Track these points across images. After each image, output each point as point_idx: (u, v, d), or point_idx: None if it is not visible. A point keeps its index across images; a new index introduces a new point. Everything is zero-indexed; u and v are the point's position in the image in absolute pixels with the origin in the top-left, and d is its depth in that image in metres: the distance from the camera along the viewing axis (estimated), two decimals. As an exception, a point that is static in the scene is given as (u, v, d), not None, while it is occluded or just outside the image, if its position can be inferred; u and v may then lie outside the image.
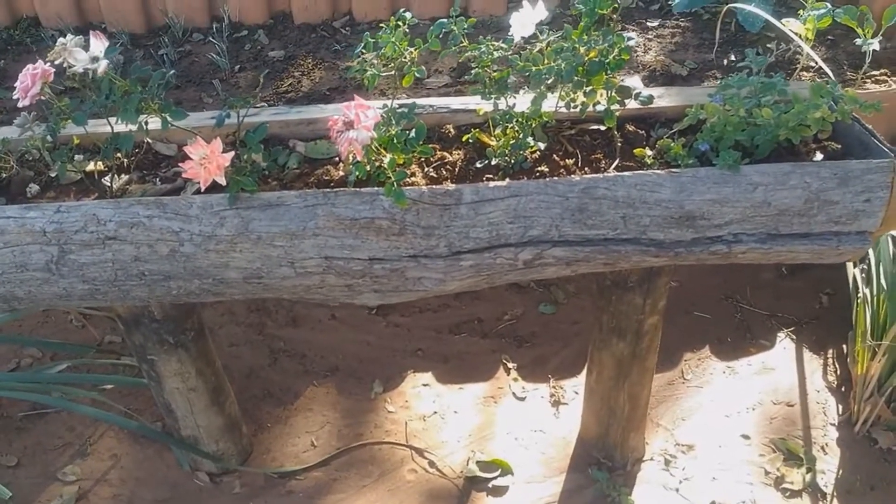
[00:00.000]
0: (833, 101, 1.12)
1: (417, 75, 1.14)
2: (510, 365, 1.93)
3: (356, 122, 0.95)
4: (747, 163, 1.13)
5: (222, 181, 1.03)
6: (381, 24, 1.17)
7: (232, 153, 1.03)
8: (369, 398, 1.86)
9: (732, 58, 2.33)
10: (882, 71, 2.10)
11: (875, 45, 2.02)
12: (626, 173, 1.12)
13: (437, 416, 1.81)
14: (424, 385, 1.89)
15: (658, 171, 1.12)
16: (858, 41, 2.03)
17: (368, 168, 1.13)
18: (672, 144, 1.19)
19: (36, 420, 1.80)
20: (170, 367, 1.45)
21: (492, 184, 1.13)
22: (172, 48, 2.57)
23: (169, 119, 1.05)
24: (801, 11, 1.93)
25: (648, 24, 2.53)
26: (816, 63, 2.14)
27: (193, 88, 2.43)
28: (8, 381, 1.64)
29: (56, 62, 1.04)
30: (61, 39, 1.05)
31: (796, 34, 1.85)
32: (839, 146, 1.21)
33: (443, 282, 1.19)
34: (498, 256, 1.16)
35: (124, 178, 1.26)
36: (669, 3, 2.45)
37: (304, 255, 1.15)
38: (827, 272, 2.09)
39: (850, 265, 1.84)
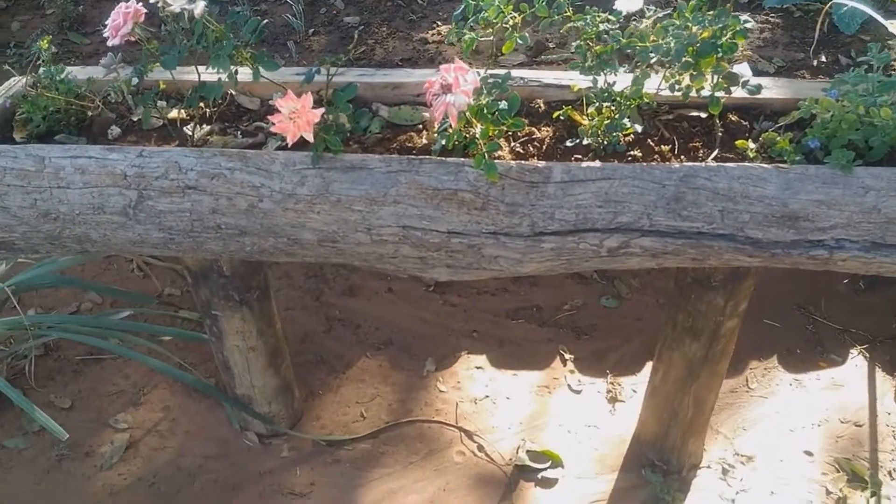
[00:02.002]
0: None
1: (520, 41, 1.09)
2: (567, 356, 1.88)
3: (455, 85, 0.90)
4: (860, 164, 1.06)
5: (310, 137, 1.00)
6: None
7: (322, 110, 1.00)
8: (421, 375, 1.83)
9: (824, 59, 2.23)
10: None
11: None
12: (729, 164, 1.06)
13: (489, 400, 1.77)
14: (478, 367, 1.85)
15: (764, 165, 1.06)
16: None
17: (456, 138, 1.09)
18: (778, 139, 1.12)
19: (92, 365, 1.82)
20: (232, 325, 1.43)
21: (584, 164, 1.08)
22: (248, 6, 2.56)
23: (261, 70, 1.02)
24: (909, 18, 1.82)
25: (738, 16, 2.43)
26: None
27: (267, 48, 2.42)
28: (68, 323, 1.65)
29: (151, 0, 1.02)
30: (159, -21, 1.02)
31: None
32: (959, 155, 1.13)
33: (520, 262, 1.15)
34: (582, 241, 1.11)
35: (206, 128, 1.24)
36: (762, -1, 2.36)
37: (381, 223, 1.11)
38: (908, 291, 1.99)
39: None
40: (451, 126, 1.04)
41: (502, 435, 1.69)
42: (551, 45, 2.07)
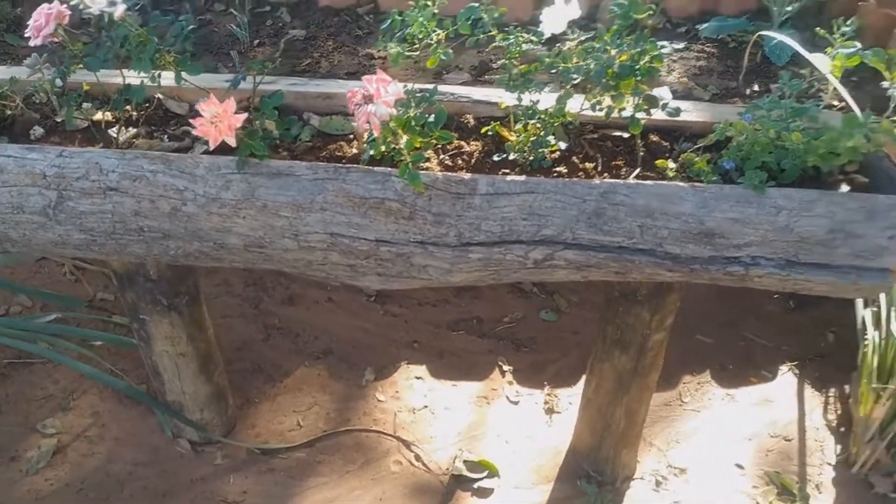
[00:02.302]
0: (866, 135, 1.08)
1: (443, 57, 1.10)
2: (506, 367, 1.89)
3: (376, 95, 0.91)
4: (773, 186, 1.09)
5: (232, 142, 0.99)
6: None
7: (245, 115, 1.00)
8: (360, 385, 1.83)
9: (756, 88, 2.29)
10: (907, 117, 2.05)
11: (902, 90, 1.97)
12: (647, 182, 1.09)
13: (428, 410, 1.78)
14: (417, 378, 1.86)
15: (681, 184, 1.08)
16: (885, 84, 1.98)
17: (384, 148, 1.10)
18: (696, 159, 1.15)
19: (20, 369, 1.78)
20: (161, 330, 1.42)
21: (509, 177, 1.10)
22: (193, 15, 2.54)
23: (183, 74, 1.02)
24: (829, 49, 1.88)
25: (674, 45, 2.48)
26: (843, 100, 2.10)
27: (210, 58, 2.40)
28: (-4, 326, 1.62)
29: (73, 2, 1.01)
30: (83, -20, 1.02)
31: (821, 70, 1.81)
32: (866, 180, 1.17)
33: (449, 272, 1.16)
34: (508, 252, 1.13)
35: (132, 131, 1.23)
36: (697, 27, 2.42)
37: (308, 229, 1.11)
38: (833, 310, 2.05)
39: (859, 305, 1.79)
40: (378, 137, 1.05)
41: (440, 445, 1.70)
42: (495, 65, 2.09)
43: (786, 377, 1.89)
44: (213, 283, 2.03)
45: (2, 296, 1.92)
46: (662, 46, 1.12)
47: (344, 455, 1.67)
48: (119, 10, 0.97)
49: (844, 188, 1.15)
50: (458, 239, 1.12)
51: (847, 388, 1.83)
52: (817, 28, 2.14)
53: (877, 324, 1.69)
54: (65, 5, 1.09)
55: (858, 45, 1.90)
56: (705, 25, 2.34)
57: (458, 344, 1.95)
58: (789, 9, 2.33)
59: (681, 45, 2.48)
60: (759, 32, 1.72)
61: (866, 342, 1.69)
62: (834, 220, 1.07)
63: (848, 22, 1.94)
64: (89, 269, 1.98)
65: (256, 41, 2.45)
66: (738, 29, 2.37)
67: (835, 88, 1.44)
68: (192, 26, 1.01)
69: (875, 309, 1.74)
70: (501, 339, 1.97)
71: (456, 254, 1.13)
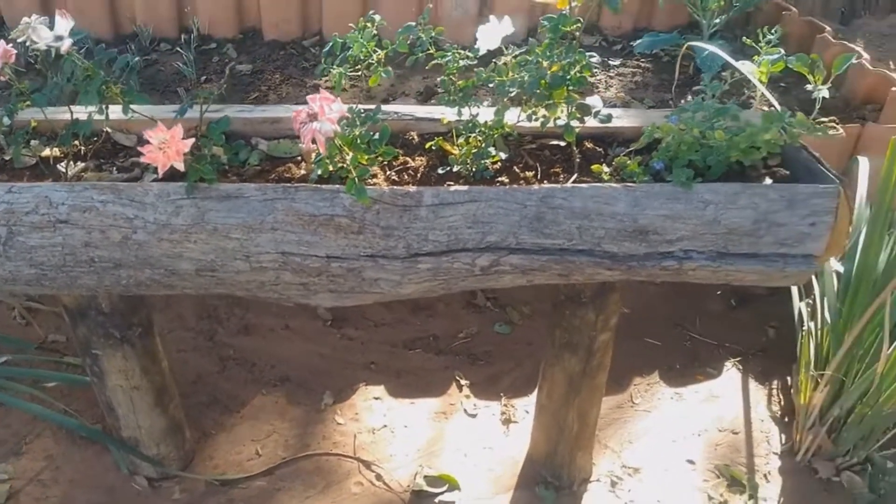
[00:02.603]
0: (783, 127, 1.17)
1: (384, 75, 1.15)
2: (463, 382, 1.92)
3: (320, 113, 0.95)
4: (700, 182, 1.17)
5: (181, 167, 1.02)
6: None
7: (192, 140, 1.03)
8: (318, 409, 1.83)
9: (689, 98, 2.41)
10: (831, 119, 2.19)
11: (825, 92, 2.11)
12: (582, 185, 1.15)
13: (387, 429, 1.79)
14: (376, 398, 1.87)
15: (613, 185, 1.15)
16: (809, 87, 2.12)
17: (331, 167, 1.14)
18: (628, 162, 1.22)
19: (-31, 417, 1.74)
20: (114, 363, 1.41)
21: (452, 188, 1.15)
22: (139, 55, 2.55)
23: (132, 106, 1.04)
24: (756, 57, 2.01)
25: (610, 62, 2.61)
26: (770, 104, 2.23)
27: (158, 96, 2.41)
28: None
29: (19, 40, 1.03)
30: (25, 18, 1.04)
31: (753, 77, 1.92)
32: (788, 172, 1.26)
33: (399, 284, 1.19)
34: (455, 261, 1.17)
35: (80, 165, 1.24)
36: (631, 44, 2.54)
37: (260, 250, 1.14)
38: (774, 306, 2.15)
39: (796, 298, 1.89)
40: (325, 155, 1.09)
41: (400, 463, 1.71)
42: (440, 90, 2.17)
43: (730, 373, 1.97)
44: (167, 318, 2.02)
45: (-54, 342, 1.88)
46: (591, 56, 1.19)
47: (304, 480, 1.67)
48: (66, 45, 0.99)
49: (768, 181, 1.23)
50: (406, 250, 1.15)
51: (789, 379, 1.92)
52: (744, 37, 2.28)
53: (812, 315, 1.79)
54: (10, 44, 1.10)
55: (782, 51, 2.04)
56: (639, 42, 2.45)
57: (414, 362, 1.97)
58: (717, 21, 2.47)
59: (617, 62, 2.60)
60: (689, 44, 1.82)
61: (803, 333, 1.78)
62: (758, 211, 1.15)
63: (773, 30, 2.08)
64: (40, 312, 1.96)
65: (203, 77, 2.47)
66: (670, 43, 2.50)
67: (762, 94, 1.53)
68: (137, 58, 1.03)
69: (811, 301, 1.83)
70: (457, 354, 2.00)
71: (405, 265, 1.17)
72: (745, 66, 2.01)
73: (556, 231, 1.15)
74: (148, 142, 1.02)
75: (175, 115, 1.14)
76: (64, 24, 1.02)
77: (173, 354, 1.93)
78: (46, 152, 1.25)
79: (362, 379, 1.92)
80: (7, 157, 1.24)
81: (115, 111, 1.19)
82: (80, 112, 1.17)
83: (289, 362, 1.95)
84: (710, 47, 2.04)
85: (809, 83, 2.10)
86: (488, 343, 2.04)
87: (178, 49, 2.56)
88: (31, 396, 1.65)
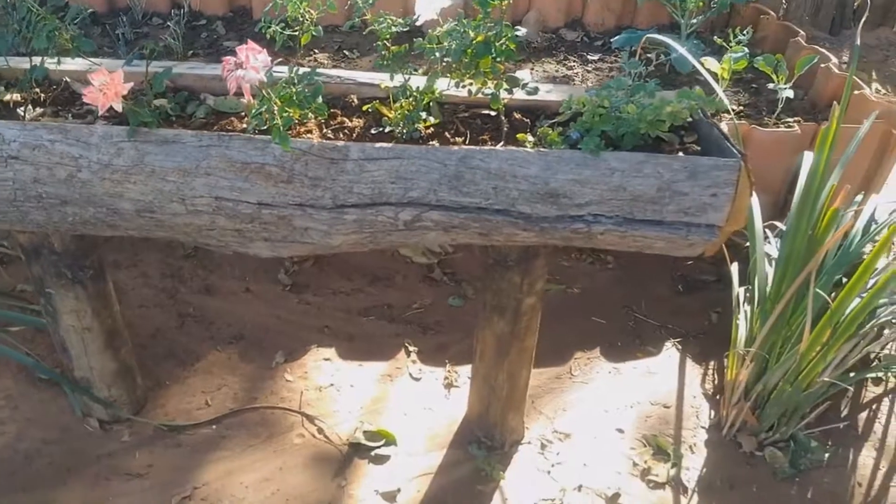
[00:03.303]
0: (688, 103, 1.25)
1: (314, 34, 1.24)
2: (412, 349, 2.00)
3: (245, 62, 1.04)
4: (610, 151, 1.25)
5: (118, 107, 1.10)
6: (337, 27, 1.27)
7: (131, 84, 1.11)
8: (270, 367, 1.92)
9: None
10: (796, 119, 2.26)
11: (788, 92, 2.19)
12: (499, 147, 1.23)
13: (333, 388, 1.88)
14: (326, 359, 1.96)
15: (528, 149, 1.23)
16: (771, 86, 2.20)
17: (268, 122, 1.22)
18: (550, 132, 1.30)
19: (-65, 356, 1.83)
20: (66, 304, 1.50)
21: (378, 144, 1.23)
22: (130, 28, 2.64)
23: (78, 49, 1.13)
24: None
25: (590, 56, 2.69)
26: (741, 103, 2.31)
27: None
28: None
29: (-23, -16, 1.12)
30: (-15, -35, 1.12)
31: (712, 73, 2.00)
32: (699, 148, 1.34)
33: (328, 234, 1.28)
34: (379, 214, 1.25)
35: (38, 111, 1.33)
36: (612, 40, 2.61)
37: (195, 193, 1.22)
38: (720, 293, 2.23)
39: (735, 283, 1.96)
40: (255, 106, 1.17)
41: (343, 419, 1.79)
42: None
43: (669, 352, 2.05)
44: (132, 276, 2.11)
45: (-83, 286, 1.97)
46: (517, 30, 1.27)
47: (249, 430, 1.75)
48: (16, -12, 1.08)
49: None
50: (333, 201, 1.24)
51: (726, 361, 2.00)
52: (716, 38, 2.35)
53: (750, 300, 1.87)
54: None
55: (746, 50, 2.12)
56: (617, 37, 2.53)
57: (367, 328, 2.06)
58: (695, 21, 2.55)
59: (595, 57, 2.68)
60: (648, 36, 1.89)
61: (738, 316, 1.85)
62: (661, 180, 1.22)
63: (744, 31, 2.16)
64: (12, 263, 2.04)
65: (190, 52, 2.56)
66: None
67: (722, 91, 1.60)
68: (90, 10, 1.11)
69: (749, 287, 1.91)
70: (409, 323, 2.09)
71: (332, 216, 1.25)
72: (710, 64, 2.09)
73: (473, 190, 1.23)
74: (90, 83, 1.10)
75: (124, 64, 1.23)
76: (16, -29, 1.11)
77: (135, 309, 2.02)
78: (7, 97, 1.33)
79: (315, 341, 2.00)
80: (-31, 100, 1.32)
81: (76, 64, 1.28)
82: (41, 62, 1.25)
83: (246, 322, 2.03)
84: (667, 40, 2.12)
85: (772, 85, 2.18)
86: (441, 314, 2.12)
87: (169, 24, 2.65)
88: (-7, 337, 1.74)
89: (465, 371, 1.94)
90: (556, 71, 2.58)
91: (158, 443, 1.70)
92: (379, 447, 1.72)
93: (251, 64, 1.03)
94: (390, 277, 2.24)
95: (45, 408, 1.74)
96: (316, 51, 2.49)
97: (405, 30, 1.27)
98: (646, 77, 2.34)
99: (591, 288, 2.23)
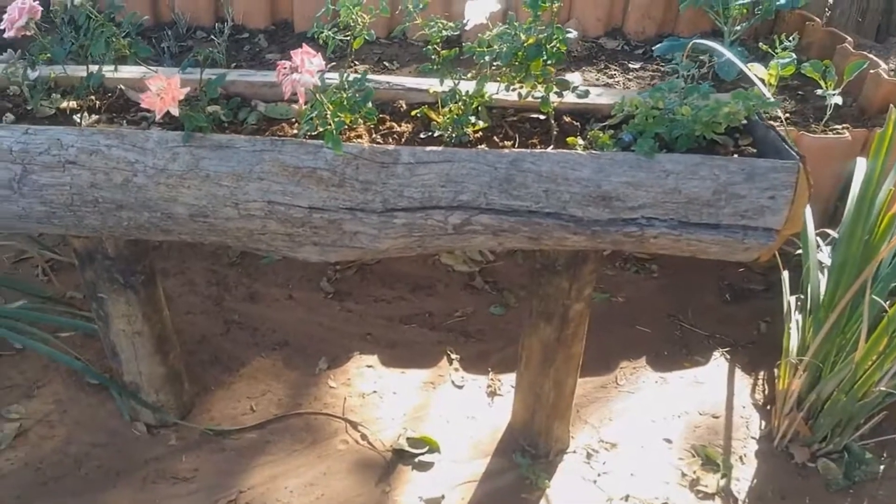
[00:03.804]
0: (744, 103, 1.22)
1: (367, 38, 1.24)
2: (453, 356, 1.99)
3: (301, 66, 1.04)
4: (664, 153, 1.23)
5: (175, 112, 1.12)
6: (377, 39, 1.27)
7: (188, 88, 1.13)
8: (313, 373, 1.92)
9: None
10: (844, 125, 2.22)
11: (837, 98, 2.15)
12: (550, 150, 1.22)
13: (377, 395, 1.87)
14: (368, 366, 1.96)
15: (580, 152, 1.22)
16: (820, 92, 2.16)
17: (320, 126, 1.23)
18: (601, 135, 1.29)
19: (-12, 360, 1.86)
20: (118, 308, 1.52)
21: (428, 148, 1.23)
22: (175, 42, 2.69)
23: (136, 55, 1.15)
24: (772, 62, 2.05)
25: (631, 65, 2.67)
26: (786, 111, 2.27)
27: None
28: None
29: (39, -6, 1.14)
30: (47, -25, 1.15)
31: (760, 79, 1.97)
32: (755, 151, 1.31)
33: (377, 238, 1.28)
34: (429, 218, 1.25)
35: (94, 117, 1.35)
36: (653, 49, 2.59)
37: (248, 198, 1.23)
38: (768, 302, 2.18)
39: (786, 292, 1.92)
40: (307, 110, 1.18)
41: (386, 425, 1.79)
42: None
43: (717, 362, 2.01)
44: (179, 283, 2.14)
45: (-27, 291, 2.02)
46: (568, 31, 1.26)
47: (293, 435, 1.75)
48: (77, -3, 1.11)
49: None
50: (383, 205, 1.24)
51: (775, 370, 1.95)
52: (761, 44, 2.32)
53: (802, 308, 1.82)
54: (36, 2, 1.22)
55: (794, 56, 2.08)
56: (659, 45, 2.51)
57: (409, 336, 2.05)
58: (738, 28, 2.52)
59: (637, 65, 2.66)
60: (694, 42, 1.87)
61: (790, 324, 1.81)
62: (717, 182, 1.20)
63: (790, 37, 2.12)
64: (61, 270, 2.09)
65: (234, 64, 2.60)
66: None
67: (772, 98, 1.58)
68: (146, 17, 1.13)
69: (801, 295, 1.87)
70: (451, 331, 2.08)
71: (382, 219, 1.25)
72: (756, 70, 2.06)
73: (524, 193, 1.22)
74: (148, 89, 1.12)
75: (179, 70, 1.24)
76: (78, -21, 1.13)
77: (182, 316, 2.04)
78: (64, 104, 1.36)
79: (357, 348, 2.00)
80: (29, 107, 1.35)
81: (130, 71, 1.31)
82: (97, 69, 1.27)
83: (289, 329, 2.04)
84: (717, 45, 2.10)
85: (821, 91, 2.14)
86: (482, 323, 2.11)
87: (213, 37, 2.69)
88: (46, 342, 1.76)
89: (507, 379, 1.93)
90: (597, 80, 2.56)
91: (205, 447, 1.71)
92: (422, 454, 1.71)
93: (306, 67, 1.04)
94: (432, 286, 2.23)
95: (93, 412, 1.76)
96: (356, 62, 2.51)
97: (455, 34, 1.27)
98: (697, 81, 2.32)
99: (635, 297, 2.20)
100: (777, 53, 2.10)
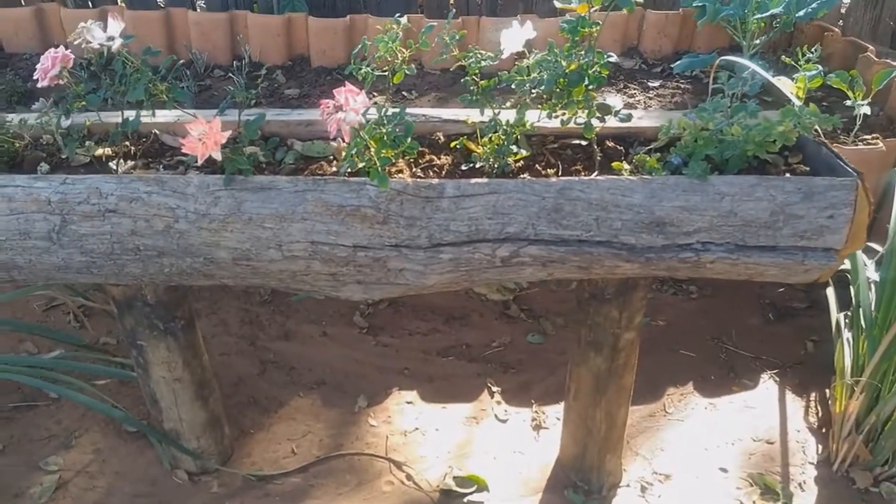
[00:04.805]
0: (797, 122, 1.19)
1: (407, 73, 1.22)
2: (494, 388, 1.95)
3: (345, 104, 1.02)
4: (716, 175, 1.19)
5: (217, 156, 1.10)
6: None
7: (230, 132, 1.10)
8: (353, 411, 1.88)
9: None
10: (874, 136, 2.17)
11: (865, 107, 2.10)
12: (599, 177, 1.19)
13: (419, 432, 1.83)
14: (408, 402, 1.91)
15: (630, 177, 1.18)
16: (849, 103, 2.11)
17: (360, 163, 1.20)
18: (648, 159, 1.25)
19: (25, 411, 1.84)
20: (158, 355, 1.49)
21: (473, 180, 1.20)
22: (193, 81, 2.70)
23: (175, 100, 1.13)
24: (795, 74, 2.01)
25: (650, 83, 2.64)
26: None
27: (210, 115, 2.54)
28: (3, 363, 1.68)
29: (75, 42, 1.13)
30: (82, 23, 1.14)
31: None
32: (808, 168, 1.27)
33: (423, 274, 1.24)
34: (476, 251, 1.22)
35: (129, 163, 1.34)
36: (671, 66, 2.56)
37: (291, 239, 1.20)
38: (812, 320, 2.12)
39: (833, 310, 1.86)
40: (348, 145, 1.15)
41: (431, 464, 1.74)
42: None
43: (767, 385, 1.95)
44: (212, 324, 2.11)
45: (8, 344, 2.00)
46: (609, 55, 1.24)
47: (337, 478, 1.71)
48: (117, 44, 1.09)
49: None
50: (429, 240, 1.21)
51: (827, 391, 1.89)
52: (784, 56, 2.28)
53: (851, 325, 1.77)
54: (68, 50, 1.21)
55: (821, 67, 2.04)
56: (678, 62, 2.49)
57: (447, 369, 2.01)
58: (757, 42, 2.49)
59: (656, 83, 2.64)
60: (722, 58, 1.83)
61: (840, 343, 1.76)
62: (775, 203, 1.16)
63: (813, 49, 2.09)
64: (93, 315, 2.06)
65: (253, 101, 2.60)
66: (708, 64, 2.52)
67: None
68: (181, 60, 1.12)
69: (849, 312, 1.81)
70: (490, 362, 2.03)
71: (428, 255, 1.22)
72: (782, 83, 2.02)
73: (574, 222, 1.19)
74: (189, 134, 1.10)
75: (216, 114, 1.23)
76: (115, 25, 1.12)
77: (217, 357, 2.01)
78: (99, 151, 1.35)
79: (396, 384, 1.96)
80: (63, 156, 1.34)
81: (164, 115, 1.29)
82: (132, 114, 1.26)
83: (325, 366, 2.00)
84: (744, 60, 2.06)
85: (849, 102, 2.10)
86: (521, 352, 2.07)
87: (231, 75, 2.70)
88: (82, 391, 1.73)
89: (552, 411, 1.88)
90: (604, 98, 2.53)
91: (248, 493, 1.66)
92: (471, 493, 1.66)
93: (351, 106, 1.02)
94: (466, 316, 2.19)
95: (133, 461, 1.73)
96: (375, 94, 2.51)
97: (495, 63, 1.24)
98: (739, 98, 2.28)
99: (676, 319, 2.15)
100: (801, 66, 2.07)
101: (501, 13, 2.80)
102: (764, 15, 2.42)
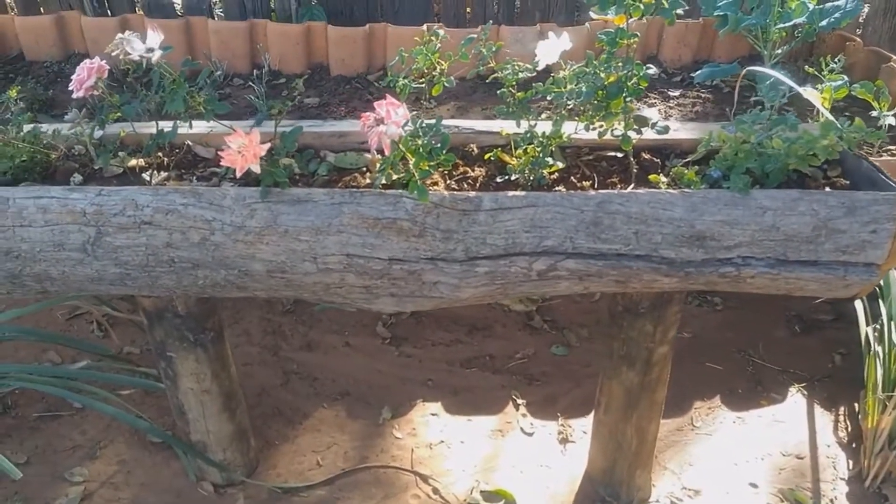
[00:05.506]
0: (840, 135, 1.17)
1: (446, 85, 1.21)
2: (519, 401, 1.93)
3: (387, 117, 1.01)
4: (758, 189, 1.18)
5: (257, 169, 1.09)
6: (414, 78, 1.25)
7: (269, 144, 1.10)
8: (377, 423, 1.87)
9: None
10: (899, 146, 2.15)
11: (890, 119, 2.08)
12: (639, 190, 1.17)
13: (444, 444, 1.81)
14: (433, 414, 1.90)
15: (671, 191, 1.17)
16: (874, 114, 2.09)
17: (395, 175, 1.19)
18: (686, 171, 1.24)
19: (49, 421, 1.83)
20: (187, 366, 1.48)
21: (510, 193, 1.18)
22: (213, 90, 2.70)
23: (213, 112, 1.12)
24: (819, 85, 2.00)
25: (670, 93, 2.63)
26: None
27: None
28: (28, 373, 1.68)
29: (113, 53, 1.13)
30: (120, 34, 1.13)
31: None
32: (848, 182, 1.25)
33: (458, 288, 1.23)
34: (513, 265, 1.20)
35: (163, 174, 1.33)
36: (691, 75, 2.55)
37: (326, 251, 1.19)
38: (839, 332, 2.10)
39: (862, 323, 1.85)
40: (383, 157, 1.14)
41: (457, 477, 1.72)
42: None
43: (795, 398, 1.93)
44: (235, 334, 2.10)
45: (32, 353, 1.99)
46: (648, 67, 1.22)
47: (363, 491, 1.69)
48: (156, 55, 1.09)
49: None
50: (465, 254, 1.19)
51: (857, 405, 1.87)
52: (807, 66, 2.26)
53: (880, 339, 1.75)
54: (104, 61, 1.21)
55: (846, 78, 2.03)
56: (698, 72, 2.47)
57: (471, 381, 2.00)
58: (779, 51, 2.47)
59: (676, 93, 2.62)
60: (748, 69, 1.82)
61: (870, 356, 1.73)
62: (817, 218, 1.15)
63: (836, 59, 2.07)
64: (118, 324, 2.06)
65: (276, 112, 2.59)
66: (730, 73, 2.50)
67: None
68: (219, 71, 1.11)
69: (877, 326, 1.79)
70: (514, 374, 2.02)
71: (464, 268, 1.21)
72: (809, 93, 2.00)
73: (612, 236, 1.17)
74: (228, 146, 1.09)
75: (252, 125, 1.22)
76: (155, 37, 1.11)
77: (240, 368, 1.99)
78: (133, 162, 1.34)
79: (420, 395, 1.95)
80: (97, 167, 1.33)
81: (197, 126, 1.29)
82: (166, 125, 1.26)
83: (349, 377, 1.99)
84: (771, 71, 2.05)
85: (875, 113, 2.08)
86: (545, 364, 2.05)
87: (251, 83, 2.70)
88: (107, 401, 1.73)
89: (578, 424, 1.86)
90: (638, 110, 2.52)
91: (273, 506, 1.65)
92: (499, 507, 1.64)
93: (392, 119, 1.01)
94: (489, 327, 2.18)
95: (158, 472, 1.72)
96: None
97: (532, 75, 1.23)
98: (780, 111, 2.27)
99: (702, 332, 2.13)
100: (825, 76, 2.05)
101: (518, 22, 2.79)
102: (786, 24, 2.40)
